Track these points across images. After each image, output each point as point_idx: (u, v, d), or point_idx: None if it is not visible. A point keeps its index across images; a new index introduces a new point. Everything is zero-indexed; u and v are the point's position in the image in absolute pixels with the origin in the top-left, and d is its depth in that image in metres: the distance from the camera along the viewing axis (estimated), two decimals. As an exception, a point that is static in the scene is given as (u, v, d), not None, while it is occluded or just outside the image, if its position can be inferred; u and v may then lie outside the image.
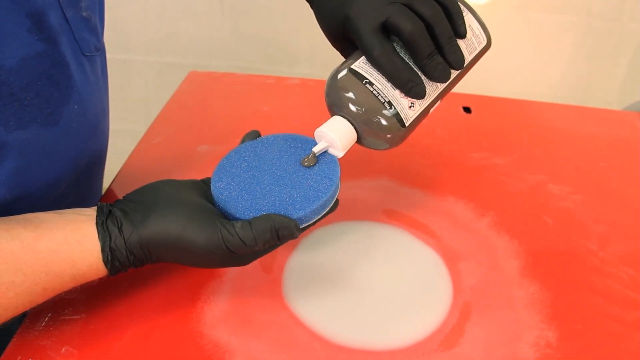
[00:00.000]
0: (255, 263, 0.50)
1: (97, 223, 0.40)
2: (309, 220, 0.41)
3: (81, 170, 0.51)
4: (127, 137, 0.95)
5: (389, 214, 0.57)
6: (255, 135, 0.47)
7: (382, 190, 0.61)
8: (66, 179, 0.49)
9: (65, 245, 0.39)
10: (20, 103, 0.42)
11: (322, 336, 0.45)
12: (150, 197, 0.42)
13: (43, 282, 0.39)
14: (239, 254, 0.40)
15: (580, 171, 0.68)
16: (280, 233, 0.39)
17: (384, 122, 0.42)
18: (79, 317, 0.45)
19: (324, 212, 0.42)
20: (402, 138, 0.45)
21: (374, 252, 0.52)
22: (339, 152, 0.43)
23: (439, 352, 0.44)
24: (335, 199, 0.43)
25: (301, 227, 0.41)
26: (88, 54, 0.49)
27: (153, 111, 0.79)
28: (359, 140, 0.44)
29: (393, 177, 0.64)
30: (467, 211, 0.59)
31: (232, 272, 0.50)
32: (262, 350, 0.43)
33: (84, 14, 0.48)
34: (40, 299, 0.40)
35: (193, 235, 0.39)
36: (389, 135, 0.43)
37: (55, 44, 0.44)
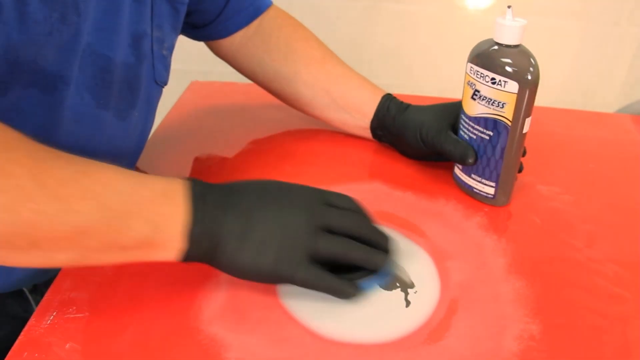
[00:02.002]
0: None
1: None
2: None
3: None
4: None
5: (381, 216, 0.59)
6: None
7: (375, 193, 0.63)
8: None
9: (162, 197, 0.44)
10: (114, 93, 0.54)
11: (314, 331, 0.47)
12: (254, 212, 0.47)
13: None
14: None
15: (569, 173, 0.70)
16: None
17: None
18: (82, 315, 0.48)
19: None
20: None
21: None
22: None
23: (426, 346, 0.46)
24: None
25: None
26: (157, 82, 0.61)
27: (156, 120, 0.81)
28: None
29: (386, 181, 0.66)
30: (457, 212, 0.61)
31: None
32: (255, 345, 0.45)
33: (164, 52, 0.61)
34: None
35: (279, 277, 0.47)
36: None
37: (140, 63, 0.57)
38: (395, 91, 0.73)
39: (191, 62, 1.27)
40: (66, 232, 0.40)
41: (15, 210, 0.38)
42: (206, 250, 0.45)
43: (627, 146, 0.78)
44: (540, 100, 0.87)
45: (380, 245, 0.50)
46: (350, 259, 0.48)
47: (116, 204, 0.42)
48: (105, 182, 0.42)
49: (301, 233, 0.46)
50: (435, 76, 1.45)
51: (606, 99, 1.56)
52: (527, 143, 0.65)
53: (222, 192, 0.47)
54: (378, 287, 0.51)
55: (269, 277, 0.47)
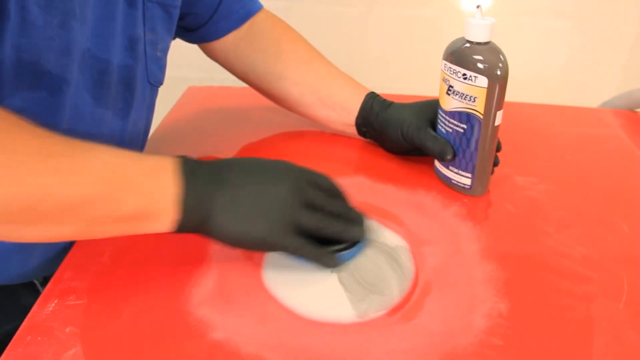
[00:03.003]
0: (239, 251, 0.56)
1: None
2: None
3: None
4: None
5: (363, 207, 0.62)
6: None
7: (358, 187, 0.67)
8: None
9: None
10: (112, 93, 0.59)
11: (295, 312, 0.50)
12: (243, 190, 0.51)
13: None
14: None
15: (546, 164, 0.73)
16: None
17: None
18: (81, 302, 0.51)
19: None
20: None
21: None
22: None
23: (399, 324, 0.49)
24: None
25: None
26: (151, 82, 0.65)
27: (152, 126, 0.85)
28: None
29: (368, 175, 0.70)
30: (435, 202, 0.64)
31: (217, 258, 0.56)
32: (240, 325, 0.48)
33: (158, 53, 0.65)
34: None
35: (268, 245, 0.51)
36: None
37: (136, 65, 0.61)
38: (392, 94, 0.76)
39: (190, 69, 1.31)
40: (68, 204, 0.44)
41: (20, 184, 0.41)
42: (199, 221, 0.49)
43: (606, 139, 0.81)
44: (537, 100, 0.90)
45: (355, 221, 0.55)
46: (329, 232, 0.52)
47: (113, 177, 0.46)
48: (102, 158, 0.46)
49: (287, 206, 0.50)
50: (433, 79, 1.47)
51: (602, 97, 1.59)
52: (508, 137, 0.69)
53: (212, 167, 0.51)
54: (354, 257, 0.55)
55: (259, 244, 0.51)
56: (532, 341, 0.48)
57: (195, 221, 0.49)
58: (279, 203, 0.50)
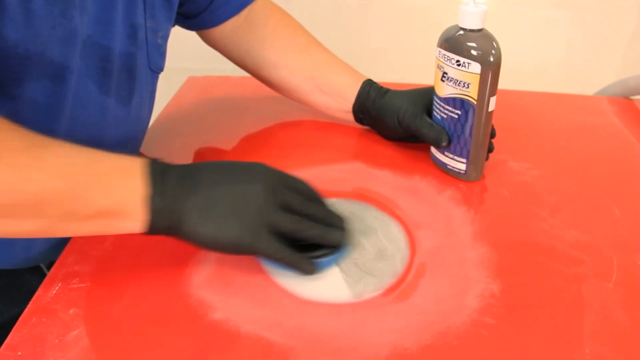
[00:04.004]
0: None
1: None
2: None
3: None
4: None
5: (359, 192, 0.64)
6: None
7: (354, 172, 0.68)
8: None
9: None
10: (115, 80, 0.60)
11: (292, 293, 0.51)
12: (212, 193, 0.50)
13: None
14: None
15: (541, 150, 0.74)
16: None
17: None
18: (84, 285, 0.53)
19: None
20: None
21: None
22: None
23: (394, 304, 0.50)
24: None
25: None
26: (152, 69, 0.66)
27: (152, 116, 0.86)
28: None
29: (366, 161, 0.71)
30: (431, 187, 0.65)
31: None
32: (239, 306, 0.50)
33: (159, 40, 0.66)
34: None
35: (241, 247, 0.50)
36: None
37: (138, 51, 0.62)
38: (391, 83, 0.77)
39: (192, 60, 1.32)
40: (24, 200, 0.44)
41: None
42: (170, 223, 0.49)
43: (601, 126, 0.82)
44: (534, 87, 0.91)
45: (335, 225, 0.54)
46: (307, 235, 0.52)
47: (70, 174, 0.46)
48: (60, 154, 0.47)
49: (260, 207, 0.50)
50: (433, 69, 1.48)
51: (601, 87, 1.59)
52: (503, 123, 0.70)
53: (183, 169, 0.51)
54: (335, 265, 0.54)
55: (232, 247, 0.50)
56: (524, 320, 0.49)
57: (166, 223, 0.49)
58: (253, 204, 0.50)
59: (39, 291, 0.52)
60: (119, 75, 0.60)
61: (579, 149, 0.75)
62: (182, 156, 0.74)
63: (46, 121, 0.54)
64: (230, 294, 0.51)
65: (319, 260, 0.53)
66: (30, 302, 0.51)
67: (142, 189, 0.48)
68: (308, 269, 0.52)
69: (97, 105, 0.59)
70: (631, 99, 0.90)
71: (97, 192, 0.47)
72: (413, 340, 0.46)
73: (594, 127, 0.81)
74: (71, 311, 0.50)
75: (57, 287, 0.52)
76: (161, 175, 0.49)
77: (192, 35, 0.80)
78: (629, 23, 1.57)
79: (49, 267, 0.68)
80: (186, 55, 1.24)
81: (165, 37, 0.68)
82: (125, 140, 0.64)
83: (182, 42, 0.83)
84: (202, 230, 0.49)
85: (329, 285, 0.52)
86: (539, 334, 0.48)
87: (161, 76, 0.70)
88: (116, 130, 0.62)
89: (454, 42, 0.61)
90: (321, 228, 0.52)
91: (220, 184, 0.50)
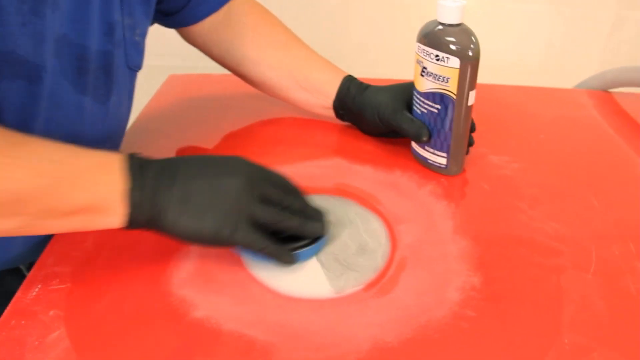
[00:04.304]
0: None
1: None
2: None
3: None
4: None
5: (340, 187, 0.64)
6: None
7: (335, 168, 0.68)
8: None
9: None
10: (91, 79, 0.58)
11: (273, 289, 0.51)
12: (191, 187, 0.50)
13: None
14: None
15: (520, 143, 0.75)
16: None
17: None
18: (64, 286, 0.52)
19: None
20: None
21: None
22: None
23: (375, 299, 0.50)
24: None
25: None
26: (131, 67, 0.65)
27: (133, 115, 0.85)
28: None
29: (346, 156, 0.71)
30: (411, 182, 0.66)
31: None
32: (221, 303, 0.50)
33: (137, 38, 0.65)
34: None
35: (220, 239, 0.50)
36: None
37: (115, 49, 0.61)
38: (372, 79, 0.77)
39: (173, 57, 1.31)
40: (3, 198, 0.44)
41: None
42: (149, 217, 0.49)
43: (580, 119, 0.83)
44: (515, 81, 0.92)
45: (314, 217, 0.55)
46: (286, 226, 0.52)
47: (50, 172, 0.46)
48: (39, 152, 0.47)
49: (239, 198, 0.50)
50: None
51: (581, 79, 1.61)
52: (483, 117, 0.70)
53: (161, 163, 0.51)
54: (314, 256, 0.55)
55: (211, 239, 0.50)
56: (504, 312, 0.49)
57: (145, 217, 0.49)
58: (231, 196, 0.50)
59: (19, 293, 0.52)
60: (96, 73, 0.59)
61: (558, 141, 0.76)
62: (164, 154, 0.72)
63: (22, 121, 0.53)
64: (211, 291, 0.51)
65: (298, 251, 0.53)
66: (10, 304, 0.51)
67: (121, 183, 0.48)
68: (287, 260, 0.53)
69: (74, 104, 0.58)
70: (609, 92, 0.91)
71: (76, 189, 0.47)
72: (394, 334, 0.47)
73: (573, 120, 0.82)
74: (51, 312, 0.49)
75: (37, 289, 0.52)
76: (140, 169, 0.49)
77: (173, 32, 0.80)
78: (608, 17, 1.58)
79: (28, 269, 0.67)
80: (167, 53, 1.23)
81: (143, 35, 0.67)
82: (103, 139, 0.63)
83: (162, 40, 0.83)
84: (182, 223, 0.49)
85: (311, 281, 0.52)
86: (519, 325, 0.48)
87: (142, 74, 0.69)
88: (94, 129, 0.61)
89: (433, 37, 0.61)
90: (299, 220, 0.52)
91: (199, 177, 0.51)
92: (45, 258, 0.56)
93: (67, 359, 0.45)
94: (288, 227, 0.52)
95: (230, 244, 0.51)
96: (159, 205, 0.49)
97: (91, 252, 0.56)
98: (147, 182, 0.49)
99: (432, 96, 0.63)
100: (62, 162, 0.47)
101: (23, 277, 0.63)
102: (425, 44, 0.62)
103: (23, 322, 0.49)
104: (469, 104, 0.62)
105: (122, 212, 0.48)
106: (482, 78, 0.63)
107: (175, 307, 0.50)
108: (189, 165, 0.52)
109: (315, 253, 0.55)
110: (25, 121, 0.54)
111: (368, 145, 0.73)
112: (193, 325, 0.48)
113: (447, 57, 0.60)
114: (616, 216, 0.61)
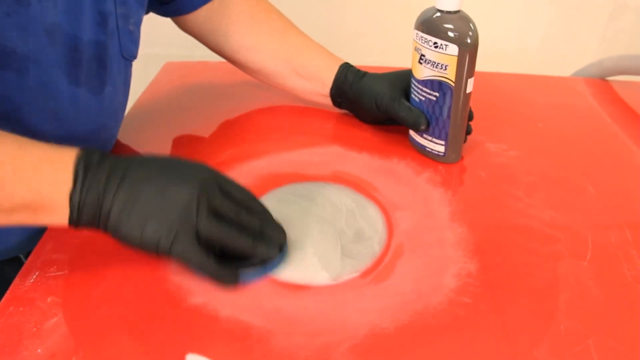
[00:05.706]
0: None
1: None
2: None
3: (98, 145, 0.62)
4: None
5: (337, 175, 0.64)
6: None
7: (332, 156, 0.68)
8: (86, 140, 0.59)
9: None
10: (85, 70, 0.58)
11: (271, 276, 0.51)
12: (142, 189, 0.48)
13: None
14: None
15: (518, 131, 0.75)
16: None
17: None
18: (62, 273, 0.52)
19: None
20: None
21: (320, 206, 0.59)
22: None
23: (371, 286, 0.51)
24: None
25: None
26: (126, 57, 0.64)
27: (129, 103, 0.85)
28: None
29: (343, 144, 0.71)
30: (408, 169, 0.66)
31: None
32: (218, 290, 0.50)
33: (131, 27, 0.64)
34: None
35: (158, 250, 0.47)
36: None
37: (108, 39, 0.60)
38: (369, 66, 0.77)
39: (169, 46, 1.30)
40: None
41: None
42: (92, 219, 0.48)
43: (577, 107, 0.83)
44: (513, 69, 0.92)
45: (270, 239, 0.51)
46: (234, 246, 0.48)
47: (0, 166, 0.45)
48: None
49: (186, 209, 0.47)
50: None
51: (579, 67, 1.61)
52: (481, 105, 0.70)
53: (113, 164, 0.48)
54: (262, 277, 0.51)
55: (152, 248, 0.48)
56: (501, 299, 0.49)
57: (88, 219, 0.47)
58: (178, 205, 0.47)
59: (16, 280, 0.52)
60: (90, 64, 0.59)
61: (555, 129, 0.76)
62: (160, 142, 0.74)
63: (12, 113, 0.53)
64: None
65: (245, 271, 0.50)
66: (7, 291, 0.51)
67: (66, 184, 0.46)
68: (228, 281, 0.49)
69: (67, 95, 0.57)
70: (607, 80, 0.91)
71: (21, 185, 0.45)
72: (390, 321, 0.47)
73: (571, 108, 0.82)
74: (49, 299, 0.50)
75: (35, 276, 0.52)
76: (89, 169, 0.47)
77: (169, 21, 0.80)
78: (606, 5, 1.58)
79: (27, 257, 0.67)
80: (163, 42, 1.23)
81: (138, 24, 0.67)
82: (98, 130, 0.63)
83: (159, 29, 0.82)
84: (123, 228, 0.47)
85: (307, 267, 0.52)
86: (515, 311, 0.48)
87: (138, 63, 0.69)
88: (89, 120, 0.61)
89: (431, 24, 0.61)
90: (251, 240, 0.49)
91: (148, 182, 0.48)
92: (43, 245, 0.56)
93: (65, 345, 0.45)
94: (236, 246, 0.48)
95: (168, 255, 0.48)
96: (104, 209, 0.47)
97: (89, 239, 0.56)
98: (92, 184, 0.47)
99: (430, 84, 0.63)
100: (11, 156, 0.46)
101: (22, 265, 0.64)
102: (423, 31, 0.62)
103: (21, 308, 0.49)
104: (467, 91, 0.62)
105: (67, 213, 0.47)
106: (479, 66, 0.63)
107: (172, 294, 0.50)
108: (141, 168, 0.49)
109: (265, 274, 0.51)
110: (16, 113, 0.53)
111: (365, 133, 0.73)
112: (190, 311, 0.48)
113: (446, 45, 0.60)
114: (612, 204, 0.61)
